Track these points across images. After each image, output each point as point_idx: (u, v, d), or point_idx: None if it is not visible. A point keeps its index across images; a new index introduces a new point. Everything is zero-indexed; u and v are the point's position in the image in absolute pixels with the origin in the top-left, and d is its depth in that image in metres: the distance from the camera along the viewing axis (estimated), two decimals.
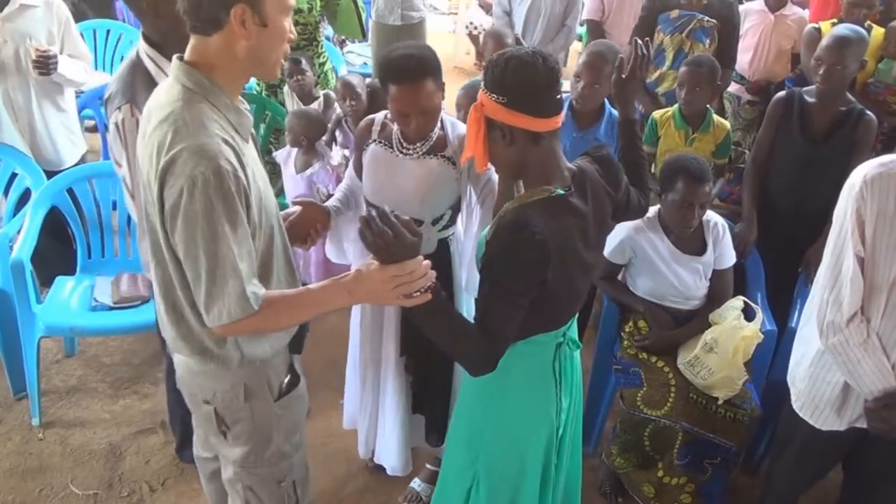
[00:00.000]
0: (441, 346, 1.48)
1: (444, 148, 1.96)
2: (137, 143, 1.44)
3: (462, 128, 1.97)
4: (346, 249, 2.22)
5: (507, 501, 1.72)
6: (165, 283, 1.43)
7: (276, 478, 1.66)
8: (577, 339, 1.71)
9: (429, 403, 2.24)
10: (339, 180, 3.03)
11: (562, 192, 1.46)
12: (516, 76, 1.40)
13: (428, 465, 2.44)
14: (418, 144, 1.95)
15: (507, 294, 1.41)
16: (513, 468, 1.69)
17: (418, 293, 1.36)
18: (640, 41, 1.78)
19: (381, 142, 2.02)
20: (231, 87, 1.38)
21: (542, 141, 1.44)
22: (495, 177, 1.91)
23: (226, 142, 1.30)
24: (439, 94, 1.87)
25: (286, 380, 1.61)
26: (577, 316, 1.71)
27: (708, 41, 3.24)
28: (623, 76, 1.79)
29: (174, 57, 1.36)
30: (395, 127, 1.99)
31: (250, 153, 1.41)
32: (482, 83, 1.47)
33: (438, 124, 1.96)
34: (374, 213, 1.32)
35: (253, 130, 1.47)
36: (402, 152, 1.97)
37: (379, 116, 2.06)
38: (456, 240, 2.10)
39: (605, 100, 2.62)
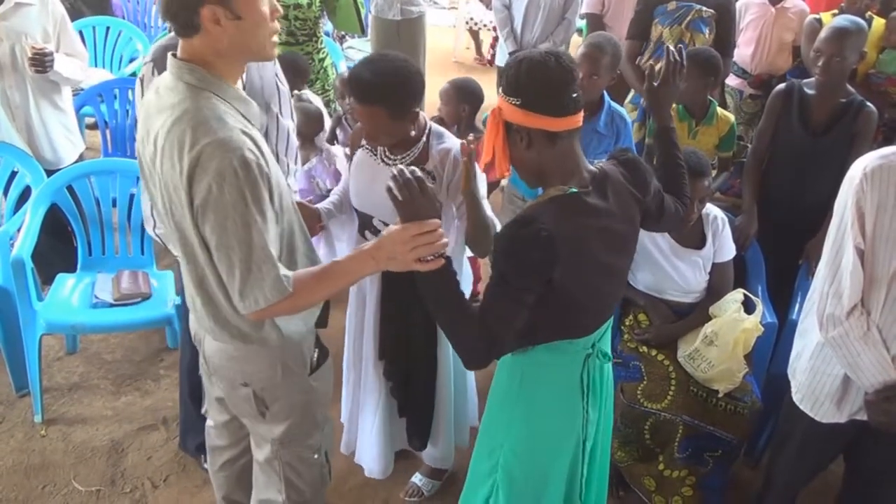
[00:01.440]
0: (441, 325, 1.50)
1: (426, 161, 1.93)
2: (138, 138, 1.46)
3: (448, 142, 1.95)
4: (339, 252, 2.21)
5: None
6: (199, 277, 1.46)
7: (312, 449, 1.73)
8: (608, 351, 1.67)
9: (410, 408, 2.23)
10: (336, 174, 3.04)
11: (575, 190, 1.45)
12: (529, 77, 1.40)
13: (426, 460, 2.44)
14: (400, 156, 1.94)
15: (509, 289, 1.40)
16: (534, 479, 1.66)
17: (432, 258, 1.38)
18: (670, 48, 1.75)
19: (367, 148, 2.02)
20: (231, 77, 1.40)
21: (559, 141, 1.43)
22: (482, 192, 1.91)
23: (244, 132, 1.33)
24: (398, 123, 1.82)
25: (315, 354, 1.68)
26: (609, 328, 1.67)
27: (707, 31, 3.23)
28: (655, 84, 1.76)
29: (170, 55, 1.38)
30: None
31: (262, 140, 1.43)
32: (499, 88, 1.47)
33: (424, 138, 1.95)
34: (402, 167, 1.35)
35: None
36: (384, 161, 1.97)
37: None
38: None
39: (605, 92, 2.61)
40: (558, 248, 1.36)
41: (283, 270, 1.38)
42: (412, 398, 2.20)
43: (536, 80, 1.40)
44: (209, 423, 1.93)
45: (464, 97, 2.85)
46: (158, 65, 1.79)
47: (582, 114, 1.46)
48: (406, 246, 1.36)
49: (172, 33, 1.92)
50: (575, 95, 1.42)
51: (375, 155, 2.00)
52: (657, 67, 1.76)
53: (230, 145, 1.28)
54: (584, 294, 1.50)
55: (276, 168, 1.45)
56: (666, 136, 1.78)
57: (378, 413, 2.20)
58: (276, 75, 2.12)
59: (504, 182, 2.92)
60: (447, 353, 2.15)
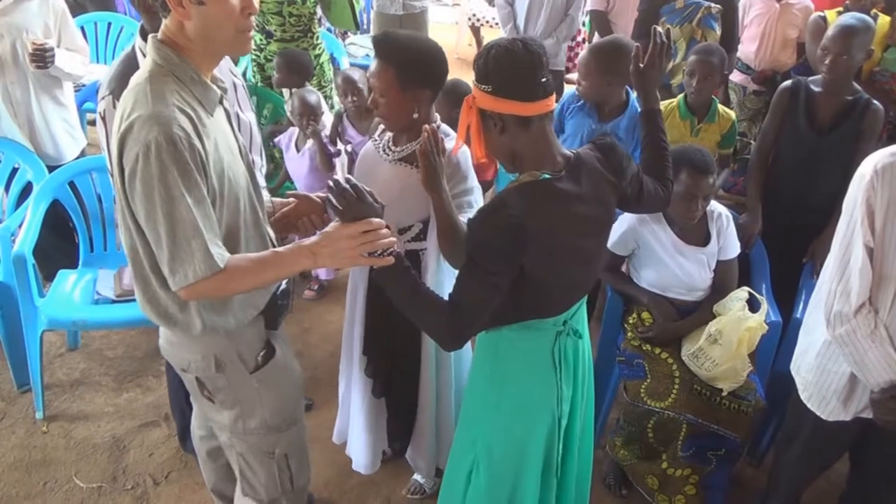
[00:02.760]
0: (409, 316, 1.52)
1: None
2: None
3: (452, 140, 1.93)
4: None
5: (507, 487, 1.73)
6: (132, 249, 1.47)
7: (264, 448, 1.72)
8: (579, 328, 1.69)
9: (395, 411, 2.22)
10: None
11: (548, 175, 1.47)
12: (498, 63, 1.44)
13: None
14: (399, 148, 1.93)
15: (479, 273, 1.44)
16: (512, 454, 1.70)
17: (380, 255, 1.42)
18: (657, 29, 1.77)
19: (375, 139, 2.01)
20: (200, 64, 1.42)
21: (531, 125, 1.47)
22: (474, 191, 1.89)
23: (182, 110, 1.34)
24: (403, 95, 1.79)
25: (261, 353, 1.65)
26: (582, 306, 1.70)
27: (717, 27, 3.21)
28: (641, 66, 1.78)
29: (150, 36, 1.41)
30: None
31: (215, 125, 1.45)
32: (474, 76, 1.50)
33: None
34: (337, 178, 1.42)
35: (227, 105, 1.53)
36: (383, 153, 1.96)
37: None
38: (428, 256, 1.99)
39: (632, 94, 2.59)
40: (528, 233, 1.41)
41: (218, 248, 1.38)
42: (393, 399, 2.19)
43: (505, 66, 1.44)
44: (192, 414, 1.97)
45: (453, 101, 2.82)
46: (117, 95, 1.76)
47: (553, 98, 1.49)
48: (353, 241, 1.40)
49: (123, 55, 1.95)
50: (544, 80, 1.46)
51: (379, 147, 1.98)
52: (662, 42, 1.77)
53: (159, 119, 1.30)
54: (555, 278, 1.54)
55: (228, 155, 1.47)
56: (652, 117, 1.81)
57: (363, 407, 2.19)
58: (231, 70, 2.09)
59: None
60: (430, 359, 2.08)
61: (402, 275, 1.47)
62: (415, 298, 1.48)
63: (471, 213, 1.83)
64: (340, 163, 3.08)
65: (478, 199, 1.93)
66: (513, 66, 1.43)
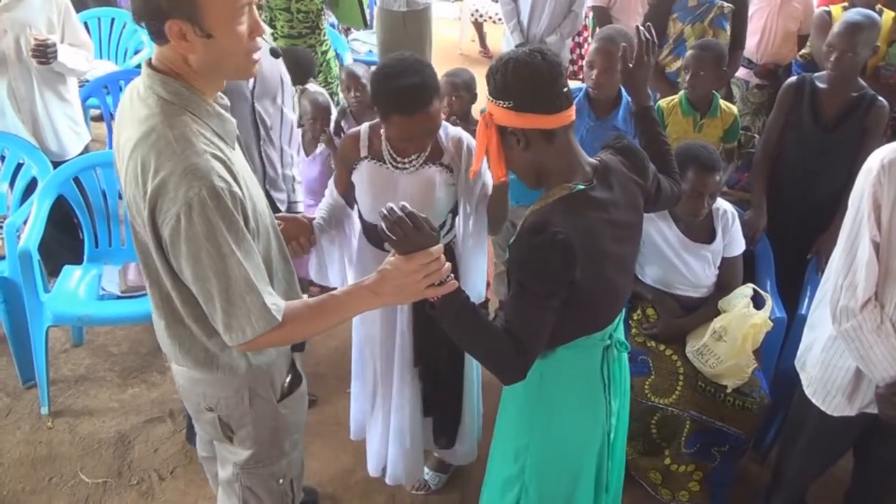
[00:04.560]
0: (470, 350, 1.45)
1: (441, 155, 1.90)
2: (114, 146, 1.39)
3: (452, 130, 1.93)
4: (329, 269, 2.14)
5: None
6: (163, 301, 1.39)
7: (275, 476, 1.65)
8: (624, 339, 1.67)
9: (440, 406, 2.21)
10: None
11: (582, 186, 1.43)
12: (518, 77, 1.38)
13: (436, 454, 2.44)
14: (413, 157, 1.89)
15: (533, 298, 1.37)
16: (565, 476, 1.66)
17: (440, 283, 1.33)
18: (642, 27, 1.76)
19: (371, 158, 1.94)
20: (205, 91, 1.30)
21: (556, 138, 1.42)
22: (489, 180, 1.88)
23: (215, 156, 1.24)
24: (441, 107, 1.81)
25: (288, 379, 1.60)
26: (622, 316, 1.67)
27: (728, 26, 3.20)
28: (630, 65, 1.76)
29: (143, 63, 1.30)
30: (383, 140, 1.92)
31: (238, 159, 1.35)
32: (488, 94, 1.44)
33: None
34: (392, 206, 1.30)
35: (238, 133, 1.41)
36: (395, 167, 1.91)
37: (363, 130, 1.96)
38: (457, 243, 2.03)
39: (622, 87, 2.59)
40: (575, 248, 1.35)
41: (273, 299, 1.30)
42: (441, 396, 2.18)
43: (525, 79, 1.38)
44: (197, 437, 1.87)
45: (462, 88, 2.83)
46: None
47: (574, 108, 1.45)
48: (415, 276, 1.30)
49: None
50: (565, 90, 1.41)
51: (384, 162, 1.92)
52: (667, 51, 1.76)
53: (197, 173, 1.19)
54: (601, 289, 1.49)
55: (254, 188, 1.38)
56: (648, 114, 1.79)
57: (409, 418, 2.14)
58: (280, 68, 2.11)
59: None
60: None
61: (464, 304, 1.37)
62: (476, 326, 1.38)
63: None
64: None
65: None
66: (534, 79, 1.37)
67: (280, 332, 1.31)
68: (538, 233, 1.35)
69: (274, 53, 2.01)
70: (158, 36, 1.21)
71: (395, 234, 1.30)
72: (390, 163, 1.91)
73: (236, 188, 1.25)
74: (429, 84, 1.74)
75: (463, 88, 2.82)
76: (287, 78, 2.13)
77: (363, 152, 1.94)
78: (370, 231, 2.01)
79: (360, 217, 2.04)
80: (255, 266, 1.29)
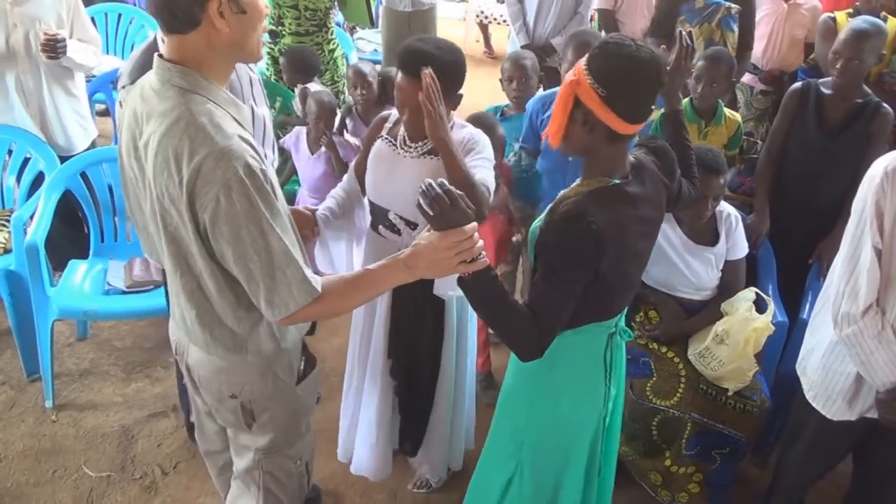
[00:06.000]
0: (493, 325, 1.51)
1: None
2: (121, 151, 1.42)
3: (465, 132, 1.91)
4: (335, 258, 2.16)
5: (551, 488, 1.74)
6: (192, 291, 1.42)
7: (293, 459, 1.70)
8: (626, 328, 1.71)
9: (410, 410, 2.22)
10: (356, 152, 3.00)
11: (617, 181, 1.48)
12: (625, 78, 1.39)
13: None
14: (420, 143, 1.91)
15: (560, 282, 1.43)
16: (559, 456, 1.71)
17: (472, 260, 1.37)
18: (682, 32, 1.79)
19: (387, 138, 1.99)
20: (220, 79, 1.35)
21: (620, 142, 1.46)
22: (488, 180, 1.88)
23: (242, 138, 1.28)
24: (447, 98, 1.79)
25: (303, 362, 1.64)
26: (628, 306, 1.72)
27: (736, 28, 3.21)
28: (668, 68, 1.77)
29: (156, 56, 1.32)
30: (402, 125, 1.95)
31: (258, 144, 1.39)
32: (585, 62, 1.42)
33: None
34: (430, 182, 1.33)
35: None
36: (402, 150, 1.94)
37: (393, 113, 2.02)
38: None
39: None
40: (606, 239, 1.40)
41: (310, 273, 1.35)
42: (412, 399, 2.19)
43: (630, 83, 1.39)
44: (197, 431, 1.88)
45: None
46: None
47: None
48: (450, 251, 1.35)
49: (144, 45, 1.90)
50: (653, 107, 1.45)
51: (395, 144, 1.96)
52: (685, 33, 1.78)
53: (233, 154, 1.24)
54: (620, 280, 1.55)
55: (270, 171, 1.40)
56: (676, 118, 1.84)
57: (378, 411, 2.16)
58: (242, 67, 2.06)
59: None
60: (450, 360, 2.13)
61: (491, 280, 1.42)
62: (501, 303, 1.44)
63: (485, 169, 1.84)
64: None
65: (491, 156, 1.91)
66: (637, 87, 1.40)
67: (319, 305, 1.35)
68: (574, 220, 1.40)
69: None
70: (189, 23, 1.24)
71: (431, 210, 1.33)
72: (400, 145, 1.95)
73: (265, 167, 1.30)
74: (434, 58, 1.74)
75: (371, 76, 2.95)
76: (255, 76, 2.11)
77: (384, 132, 2.01)
78: (374, 212, 2.04)
79: (368, 199, 2.07)
80: (292, 241, 1.33)
